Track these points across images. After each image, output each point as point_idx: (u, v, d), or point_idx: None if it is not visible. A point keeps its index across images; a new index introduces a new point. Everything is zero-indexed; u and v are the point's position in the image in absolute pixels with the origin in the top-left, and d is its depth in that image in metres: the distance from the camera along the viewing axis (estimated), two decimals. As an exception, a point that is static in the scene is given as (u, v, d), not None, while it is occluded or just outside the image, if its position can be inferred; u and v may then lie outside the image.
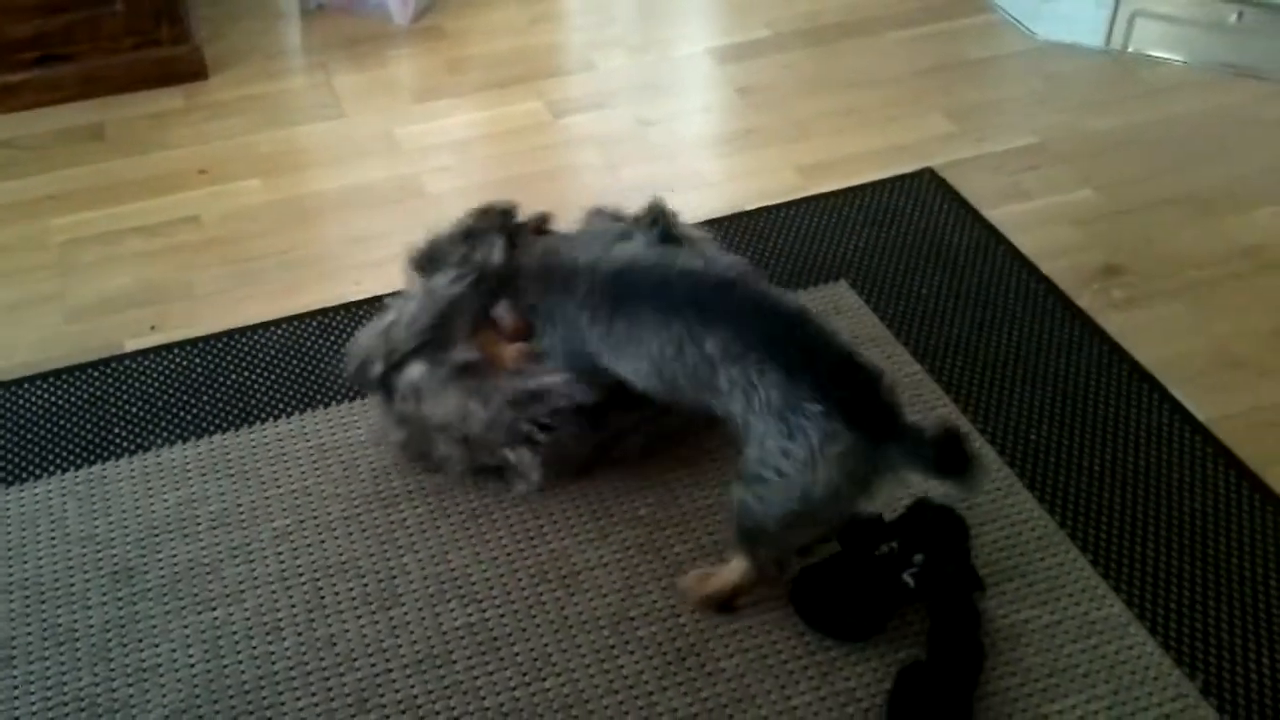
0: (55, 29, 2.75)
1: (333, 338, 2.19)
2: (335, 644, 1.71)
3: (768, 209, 2.46)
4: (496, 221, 1.89)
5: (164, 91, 2.85)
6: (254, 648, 1.71)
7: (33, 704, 1.64)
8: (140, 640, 1.71)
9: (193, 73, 2.89)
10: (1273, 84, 2.83)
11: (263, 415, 2.05)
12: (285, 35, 3.13)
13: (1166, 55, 2.92)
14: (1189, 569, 1.79)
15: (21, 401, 2.08)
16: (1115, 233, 2.44)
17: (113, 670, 1.68)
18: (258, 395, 2.09)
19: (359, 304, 2.26)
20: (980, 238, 2.40)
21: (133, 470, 1.95)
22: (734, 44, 3.07)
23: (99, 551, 1.83)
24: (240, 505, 1.90)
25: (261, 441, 2.00)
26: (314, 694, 1.65)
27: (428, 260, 1.90)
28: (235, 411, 2.06)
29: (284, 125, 2.78)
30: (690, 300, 1.61)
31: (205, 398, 2.08)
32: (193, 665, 1.69)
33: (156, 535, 1.85)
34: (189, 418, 2.04)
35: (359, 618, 1.74)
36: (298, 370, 2.13)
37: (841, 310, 2.23)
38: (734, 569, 1.68)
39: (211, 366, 2.14)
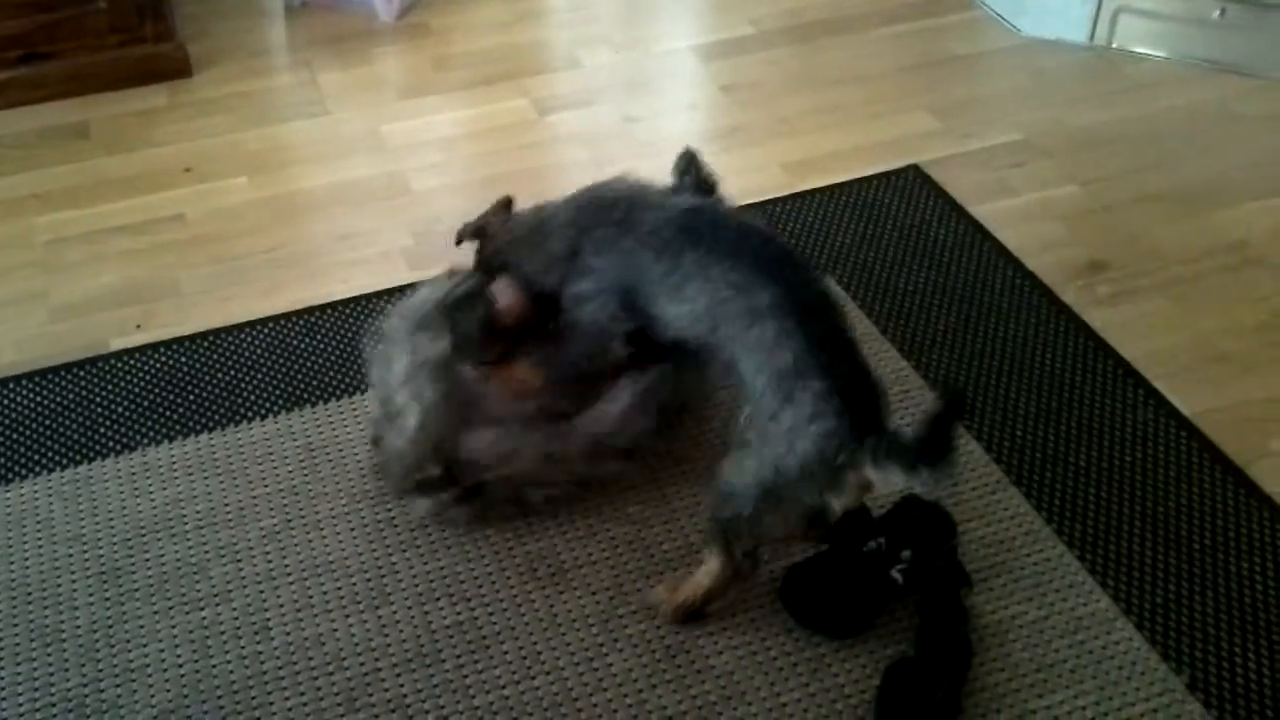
0: (39, 27, 2.74)
1: (320, 336, 2.19)
2: (324, 643, 1.71)
3: (753, 206, 2.46)
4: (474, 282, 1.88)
5: (148, 89, 2.85)
6: (242, 647, 1.70)
7: (20, 705, 1.63)
8: (128, 640, 1.71)
9: (177, 70, 2.88)
10: (1255, 79, 2.85)
11: (250, 414, 2.04)
12: (269, 32, 3.12)
13: (1150, 51, 2.93)
14: (1175, 564, 1.80)
15: (6, 402, 2.07)
16: (1100, 228, 2.45)
17: (100, 671, 1.67)
18: (245, 394, 2.08)
19: (346, 301, 2.25)
20: (965, 234, 2.41)
21: (119, 470, 1.95)
22: (718, 41, 3.07)
23: (86, 552, 1.83)
24: (228, 505, 1.89)
25: (249, 440, 2.00)
26: (303, 693, 1.65)
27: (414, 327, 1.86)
28: (222, 410, 2.05)
29: (269, 123, 2.77)
30: (756, 253, 1.66)
31: (192, 397, 2.07)
32: (181, 665, 1.68)
33: (144, 535, 1.85)
34: (175, 417, 2.04)
35: (347, 617, 1.74)
36: (285, 369, 2.13)
37: (828, 307, 2.23)
38: (706, 572, 1.68)
39: (198, 365, 2.13)
